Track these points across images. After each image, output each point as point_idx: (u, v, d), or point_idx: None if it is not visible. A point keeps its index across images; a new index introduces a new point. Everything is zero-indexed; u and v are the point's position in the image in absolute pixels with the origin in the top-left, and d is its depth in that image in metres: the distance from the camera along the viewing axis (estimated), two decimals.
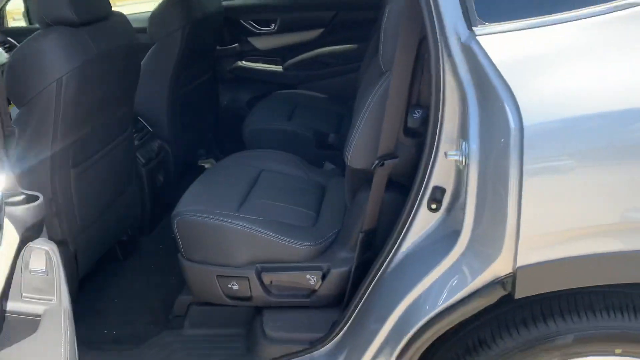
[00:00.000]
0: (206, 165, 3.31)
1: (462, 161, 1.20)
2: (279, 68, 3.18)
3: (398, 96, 1.42)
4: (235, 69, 3.20)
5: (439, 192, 1.32)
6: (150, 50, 2.49)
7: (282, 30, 3.09)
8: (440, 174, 1.31)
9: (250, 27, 3.11)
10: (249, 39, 3.17)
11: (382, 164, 1.46)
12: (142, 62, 2.51)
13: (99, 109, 1.85)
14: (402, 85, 1.41)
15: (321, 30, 3.07)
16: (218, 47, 3.12)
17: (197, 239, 1.70)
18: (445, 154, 1.24)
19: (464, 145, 1.19)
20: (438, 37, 1.20)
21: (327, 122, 2.71)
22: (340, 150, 2.65)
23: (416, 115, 1.46)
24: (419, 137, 1.50)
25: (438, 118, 1.25)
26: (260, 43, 3.18)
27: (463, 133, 1.22)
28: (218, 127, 3.30)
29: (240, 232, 1.64)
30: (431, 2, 1.20)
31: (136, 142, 2.38)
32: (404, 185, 1.56)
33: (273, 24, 3.08)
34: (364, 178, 1.62)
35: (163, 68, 2.48)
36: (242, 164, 2.12)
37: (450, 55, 1.19)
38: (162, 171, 2.55)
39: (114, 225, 2.17)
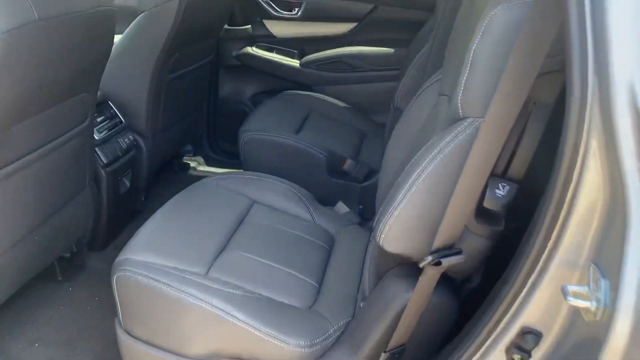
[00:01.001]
0: (191, 164, 2.79)
1: (597, 311, 0.68)
2: (296, 62, 2.63)
3: (484, 162, 0.89)
4: (243, 56, 2.65)
5: (530, 338, 0.80)
6: (134, 22, 1.94)
7: (307, 17, 2.53)
8: (538, 309, 0.78)
9: (268, 7, 2.55)
10: (265, 21, 2.62)
11: (439, 263, 0.93)
12: (123, 36, 1.97)
13: (39, 93, 1.31)
14: (495, 147, 0.88)
15: (353, 25, 2.51)
16: (226, 26, 2.57)
17: (140, 308, 1.18)
18: (564, 289, 0.71)
19: (604, 285, 0.67)
20: (589, 89, 0.67)
21: (345, 142, 2.17)
22: (357, 182, 2.14)
23: (500, 192, 0.94)
24: (496, 224, 0.98)
25: (558, 220, 0.73)
26: (277, 29, 2.63)
27: (601, 259, 0.70)
28: (213, 121, 2.77)
29: (204, 312, 1.11)
30: (589, 33, 0.66)
31: (99, 136, 1.85)
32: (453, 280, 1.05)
33: (297, 9, 2.53)
34: (398, 260, 1.10)
35: (149, 45, 1.94)
36: (226, 193, 1.59)
37: (609, 123, 0.66)
38: (130, 173, 2.02)
39: (52, 241, 1.65)
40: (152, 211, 1.49)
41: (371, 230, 1.62)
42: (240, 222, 1.49)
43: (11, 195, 1.38)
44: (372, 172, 2.03)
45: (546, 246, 0.75)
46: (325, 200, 2.00)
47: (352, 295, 1.32)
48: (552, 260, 0.75)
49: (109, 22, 1.48)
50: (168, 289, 1.13)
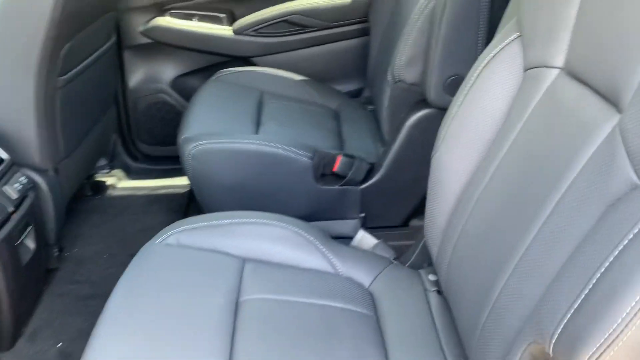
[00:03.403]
0: (108, 182, 2.13)
1: None
2: (226, 30, 2.01)
3: None
4: (153, 30, 1.99)
5: None
6: None
7: None
8: None
9: None
10: None
11: None
12: None
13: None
14: None
15: None
16: None
17: None
18: None
19: None
20: None
21: (322, 130, 1.63)
22: (356, 185, 1.62)
23: None
24: None
25: None
26: None
27: None
28: (126, 121, 2.11)
29: None
30: None
31: None
32: None
33: None
34: None
35: (23, 41, 1.27)
36: (199, 256, 1.03)
37: None
38: (32, 230, 1.37)
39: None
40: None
41: (419, 270, 1.13)
42: (236, 306, 0.94)
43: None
44: (371, 168, 1.52)
45: None
46: (319, 215, 1.48)
47: None
48: None
49: None
50: None
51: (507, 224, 0.79)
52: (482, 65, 0.94)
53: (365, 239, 1.23)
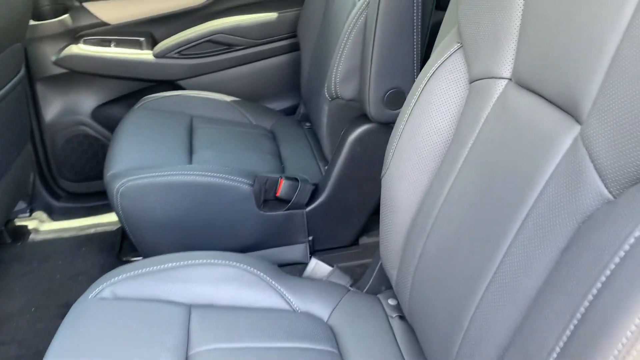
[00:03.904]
0: (30, 226, 1.95)
1: None
2: (147, 54, 1.90)
3: None
4: (67, 59, 1.85)
5: None
6: None
7: None
8: None
9: None
10: (86, 5, 1.84)
11: None
12: None
13: None
14: None
15: None
16: (32, 22, 1.75)
17: None
18: None
19: None
20: None
21: (261, 153, 1.56)
22: (301, 208, 1.54)
23: None
24: None
25: None
26: (107, 12, 1.86)
27: None
28: (45, 158, 1.95)
29: None
30: None
31: None
32: None
33: None
34: None
35: None
36: (140, 308, 0.93)
37: None
38: None
39: None
40: None
41: (377, 296, 1.07)
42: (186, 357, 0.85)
43: None
44: (315, 189, 1.46)
45: None
46: (265, 243, 1.41)
47: None
48: None
49: None
50: None
51: (471, 244, 0.75)
52: (426, 79, 0.90)
53: (318, 267, 1.16)
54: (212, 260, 1.03)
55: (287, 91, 1.96)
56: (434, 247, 0.83)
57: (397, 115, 1.30)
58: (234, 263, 1.03)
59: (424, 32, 1.26)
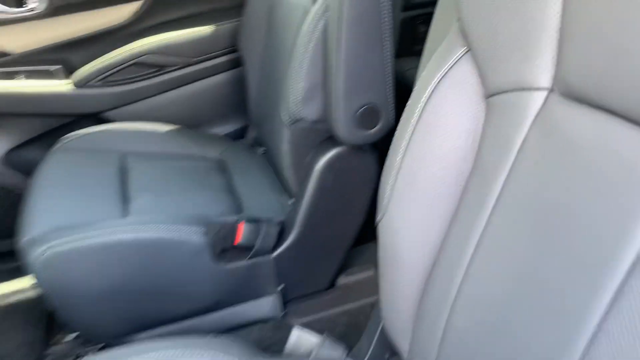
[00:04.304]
0: None
1: None
2: (66, 85, 1.62)
3: None
4: None
5: None
6: None
7: (57, 9, 1.52)
8: None
9: None
10: None
11: None
12: None
13: None
14: None
15: (137, 4, 1.59)
16: None
17: None
18: None
19: None
20: None
21: (211, 191, 1.32)
22: (267, 254, 1.30)
23: None
24: None
25: None
26: (11, 40, 1.56)
27: None
28: None
29: None
30: None
31: None
32: None
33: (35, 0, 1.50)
34: None
35: None
36: None
37: None
38: None
39: None
40: None
41: None
42: None
43: None
44: (282, 229, 1.23)
45: None
46: (228, 300, 1.18)
47: None
48: None
49: None
50: None
51: (534, 318, 0.55)
52: (425, 95, 0.70)
53: (302, 339, 0.93)
54: (172, 350, 0.79)
55: (232, 113, 1.72)
56: (467, 319, 0.63)
57: (372, 136, 1.11)
58: (198, 351, 0.79)
59: (394, 38, 1.07)
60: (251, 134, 1.65)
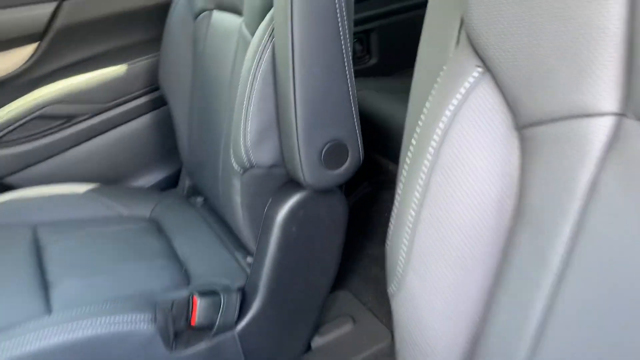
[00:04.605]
0: None
1: None
2: None
3: None
4: None
5: None
6: None
7: None
8: None
9: None
10: None
11: None
12: None
13: None
14: None
15: (33, 47, 1.35)
16: None
17: None
18: None
19: None
20: None
21: (148, 258, 1.10)
22: (229, 330, 1.09)
23: None
24: None
25: None
26: None
27: None
28: None
29: None
30: None
31: None
32: None
33: None
34: None
35: None
36: None
37: None
38: None
39: None
40: None
41: None
42: None
43: None
44: (243, 297, 1.04)
45: None
46: None
47: None
48: None
49: None
50: None
51: None
52: (438, 132, 0.55)
53: None
54: None
55: (159, 160, 1.51)
56: None
57: (340, 176, 0.95)
58: None
59: (353, 61, 0.93)
60: (185, 183, 1.44)
